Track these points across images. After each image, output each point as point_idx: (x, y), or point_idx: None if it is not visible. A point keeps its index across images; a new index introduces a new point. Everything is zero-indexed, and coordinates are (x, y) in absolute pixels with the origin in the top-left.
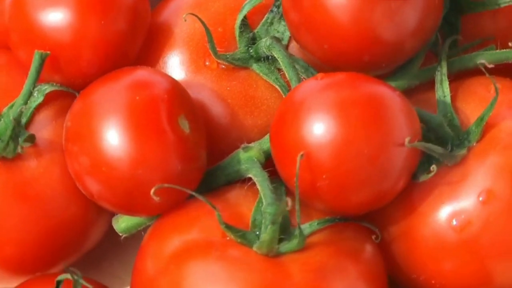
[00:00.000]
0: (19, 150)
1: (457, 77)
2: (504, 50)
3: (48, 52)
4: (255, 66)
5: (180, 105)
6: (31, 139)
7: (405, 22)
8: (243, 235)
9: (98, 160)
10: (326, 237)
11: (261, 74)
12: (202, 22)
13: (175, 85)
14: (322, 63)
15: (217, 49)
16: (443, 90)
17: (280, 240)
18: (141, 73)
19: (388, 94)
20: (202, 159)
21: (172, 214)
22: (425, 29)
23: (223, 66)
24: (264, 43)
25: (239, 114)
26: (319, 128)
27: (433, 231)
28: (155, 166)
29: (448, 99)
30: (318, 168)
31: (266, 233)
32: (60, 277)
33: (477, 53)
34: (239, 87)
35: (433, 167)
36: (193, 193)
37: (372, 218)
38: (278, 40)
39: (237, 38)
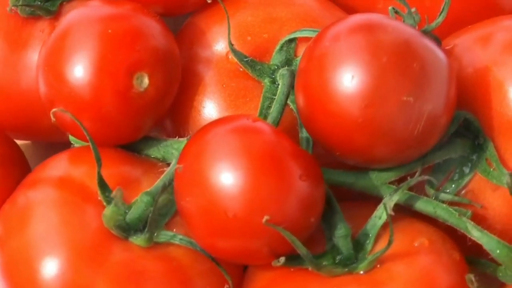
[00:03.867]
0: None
1: None
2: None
3: None
4: (266, 85)
5: (150, 64)
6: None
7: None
8: (108, 200)
9: (52, 68)
10: (178, 255)
11: (263, 93)
12: (227, 13)
13: (161, 44)
14: (306, 129)
15: (246, 52)
16: (382, 213)
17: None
18: (136, 17)
19: (290, 171)
20: (141, 122)
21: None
22: (399, 143)
23: (241, 69)
24: (281, 71)
25: (215, 111)
26: (208, 158)
27: None
28: (86, 100)
29: (380, 222)
30: (183, 190)
31: (108, 208)
32: None
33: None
34: (232, 91)
35: (281, 259)
36: (90, 140)
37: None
38: (293, 75)
39: (274, 53)
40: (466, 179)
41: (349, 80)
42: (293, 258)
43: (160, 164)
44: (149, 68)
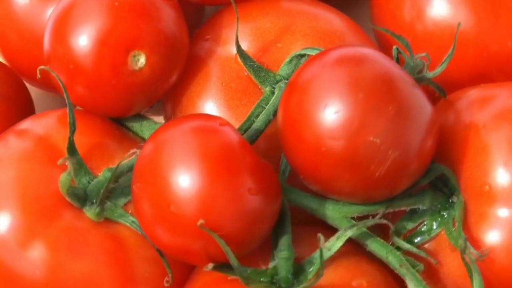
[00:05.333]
0: None
1: None
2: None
3: None
4: (265, 93)
5: (150, 45)
6: None
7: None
8: (71, 161)
9: (57, 29)
10: (126, 236)
11: (258, 101)
12: (237, 13)
13: (168, 28)
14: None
15: (255, 57)
16: (332, 244)
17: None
18: None
19: (240, 181)
20: (132, 100)
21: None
22: (359, 181)
23: (246, 73)
24: (280, 83)
25: (207, 107)
26: (164, 151)
27: None
28: (81, 66)
29: (328, 254)
30: (137, 174)
31: (63, 174)
32: None
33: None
34: (229, 91)
35: (210, 265)
36: (68, 103)
37: None
38: None
39: (282, 64)
40: (433, 233)
41: (322, 108)
42: (228, 267)
43: (142, 144)
44: (148, 49)
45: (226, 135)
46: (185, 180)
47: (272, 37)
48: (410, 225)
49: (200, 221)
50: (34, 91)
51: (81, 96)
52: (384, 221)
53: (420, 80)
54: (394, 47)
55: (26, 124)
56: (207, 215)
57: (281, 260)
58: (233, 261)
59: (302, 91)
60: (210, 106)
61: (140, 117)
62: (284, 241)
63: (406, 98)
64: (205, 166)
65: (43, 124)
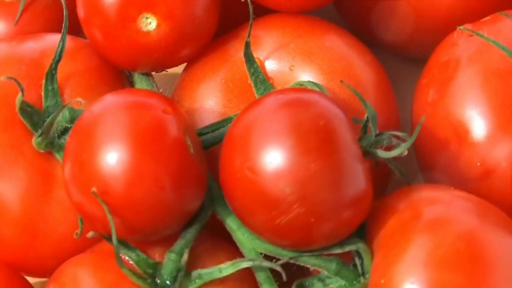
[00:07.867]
0: None
1: None
2: None
3: None
4: None
5: (165, 13)
6: None
7: None
8: (45, 91)
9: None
10: (58, 175)
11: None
12: (251, 16)
13: (191, 6)
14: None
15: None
16: (225, 268)
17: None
18: None
19: (148, 169)
20: (135, 58)
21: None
22: (262, 222)
23: (249, 81)
24: None
25: (200, 95)
26: (98, 115)
27: None
28: (101, 11)
29: (217, 275)
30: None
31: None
32: None
33: None
34: (224, 89)
35: (91, 233)
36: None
37: None
38: None
39: (286, 87)
40: None
41: (255, 139)
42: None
43: None
44: (160, 16)
45: (160, 123)
46: (100, 147)
47: (289, 57)
48: (319, 285)
49: (93, 189)
50: None
51: (93, 36)
52: (279, 269)
53: (370, 154)
54: (366, 116)
55: (43, 38)
56: (105, 186)
57: (168, 260)
58: (113, 237)
59: (249, 118)
60: (202, 97)
61: (144, 76)
62: (179, 244)
63: (334, 163)
64: (122, 142)
65: (50, 43)
